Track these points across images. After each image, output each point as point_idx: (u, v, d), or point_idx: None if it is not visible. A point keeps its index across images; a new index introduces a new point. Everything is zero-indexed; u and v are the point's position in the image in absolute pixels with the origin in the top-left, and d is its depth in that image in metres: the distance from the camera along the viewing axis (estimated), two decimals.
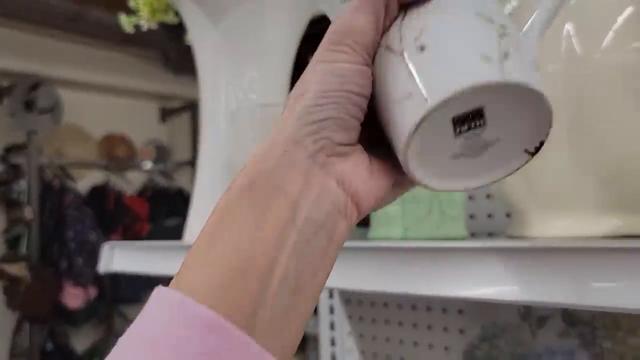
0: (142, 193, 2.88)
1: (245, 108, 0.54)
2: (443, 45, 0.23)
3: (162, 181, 2.94)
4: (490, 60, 0.23)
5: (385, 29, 0.25)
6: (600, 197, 0.45)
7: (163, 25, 0.67)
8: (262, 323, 0.21)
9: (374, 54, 0.25)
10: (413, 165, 0.25)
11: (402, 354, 0.86)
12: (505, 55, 0.23)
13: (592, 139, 0.44)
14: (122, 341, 0.22)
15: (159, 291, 0.22)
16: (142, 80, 2.81)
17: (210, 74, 0.64)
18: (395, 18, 0.26)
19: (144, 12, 0.62)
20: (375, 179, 0.25)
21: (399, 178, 0.26)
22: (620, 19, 0.44)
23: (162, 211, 2.74)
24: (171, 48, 2.65)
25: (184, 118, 2.89)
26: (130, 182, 2.86)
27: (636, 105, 0.42)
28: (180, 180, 2.93)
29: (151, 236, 2.60)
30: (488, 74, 0.22)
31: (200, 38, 0.64)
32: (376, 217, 0.50)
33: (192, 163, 2.80)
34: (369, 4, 0.24)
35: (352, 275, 0.42)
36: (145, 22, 0.63)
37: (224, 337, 0.20)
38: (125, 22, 0.63)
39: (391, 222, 0.47)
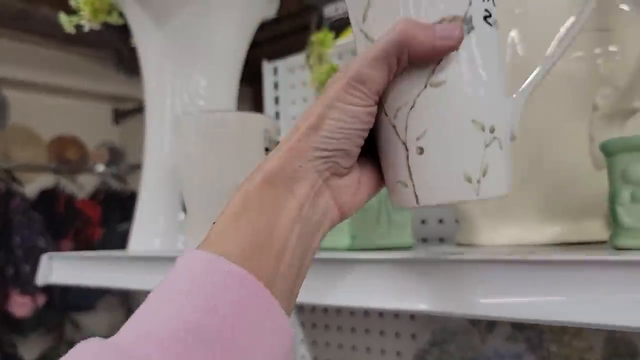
0: (94, 197, 2.79)
1: (191, 113, 0.53)
2: (437, 156, 0.29)
3: (115, 184, 2.86)
4: (470, 180, 0.29)
5: (397, 74, 0.30)
6: (545, 206, 0.45)
7: (115, 25, 0.65)
8: (277, 289, 0.27)
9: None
10: (400, 206, 0.32)
11: None
12: (484, 172, 0.29)
13: (536, 147, 0.44)
14: (156, 292, 0.25)
15: (188, 251, 0.27)
16: (94, 80, 2.73)
17: (155, 77, 0.62)
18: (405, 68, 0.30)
19: (85, 12, 0.59)
20: (361, 194, 0.32)
21: (380, 187, 0.33)
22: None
23: (116, 215, 2.67)
24: (125, 48, 2.58)
25: (138, 120, 2.82)
26: (82, 186, 2.78)
27: (578, 114, 0.43)
28: (134, 183, 2.86)
29: (104, 241, 2.53)
30: (466, 194, 0.29)
31: (145, 40, 0.62)
32: None
33: None
34: (384, 58, 0.28)
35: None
36: (87, 22, 0.60)
37: (253, 290, 0.25)
38: (66, 21, 0.60)
39: (339, 231, 0.47)
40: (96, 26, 0.61)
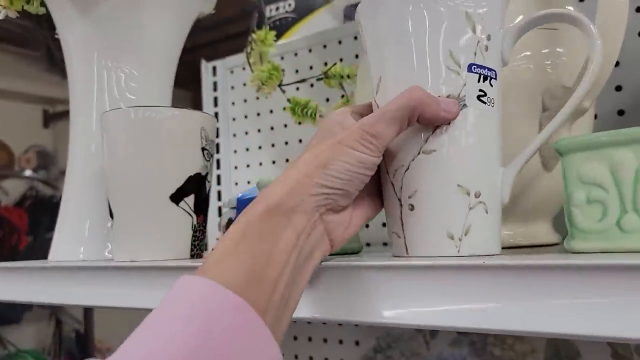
0: (20, 203, 2.64)
1: (120, 109, 0.48)
2: (425, 213, 0.33)
3: (44, 190, 2.71)
4: (452, 237, 0.32)
5: (398, 140, 0.34)
6: None
7: (46, 22, 0.59)
8: (269, 317, 0.28)
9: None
10: (393, 253, 0.36)
11: None
12: (466, 232, 0.32)
13: None
14: (153, 316, 0.26)
15: (186, 277, 0.27)
16: (22, 81, 2.58)
17: (80, 71, 0.57)
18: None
19: None
20: (350, 229, 0.33)
21: (366, 222, 0.35)
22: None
23: (44, 222, 2.53)
24: (57, 47, 2.46)
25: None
26: (7, 191, 2.61)
27: (526, 114, 0.42)
28: None
29: (31, 249, 2.39)
30: (448, 249, 0.32)
31: (68, 30, 0.57)
32: None
33: None
34: (399, 118, 0.31)
35: None
36: (2, 9, 0.54)
37: (248, 318, 0.26)
38: None
39: None
40: (12, 14, 0.55)
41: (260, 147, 0.88)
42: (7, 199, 2.58)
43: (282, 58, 0.85)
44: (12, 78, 2.51)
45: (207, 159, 0.49)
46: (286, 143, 0.85)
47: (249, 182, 0.89)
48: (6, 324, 2.27)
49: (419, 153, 0.33)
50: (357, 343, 0.77)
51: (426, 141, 0.33)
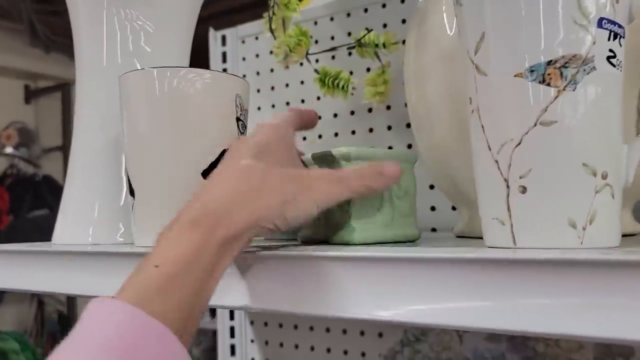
0: (1, 182, 2.54)
1: (143, 70, 0.42)
2: (541, 197, 0.28)
3: (25, 168, 2.61)
4: (575, 226, 0.28)
5: (505, 109, 0.29)
6: None
7: None
8: (186, 333, 0.29)
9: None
10: (492, 244, 0.32)
11: None
12: (592, 220, 0.28)
13: None
14: (69, 342, 0.26)
15: (105, 301, 0.27)
16: (2, 55, 2.47)
17: (86, 22, 0.49)
18: None
19: None
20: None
21: None
22: None
23: (26, 201, 2.44)
24: (40, 21, 2.36)
25: (54, 99, 2.58)
26: None
27: (626, 83, 0.37)
28: (48, 167, 2.63)
29: (13, 229, 2.32)
30: (569, 240, 0.28)
31: None
32: None
33: (62, 148, 2.55)
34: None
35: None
36: None
37: (169, 346, 0.27)
38: None
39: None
40: None
41: None
42: None
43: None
44: None
45: (242, 131, 0.43)
46: None
47: None
48: None
49: (535, 124, 0.28)
50: (380, 335, 0.72)
51: (545, 110, 0.28)
